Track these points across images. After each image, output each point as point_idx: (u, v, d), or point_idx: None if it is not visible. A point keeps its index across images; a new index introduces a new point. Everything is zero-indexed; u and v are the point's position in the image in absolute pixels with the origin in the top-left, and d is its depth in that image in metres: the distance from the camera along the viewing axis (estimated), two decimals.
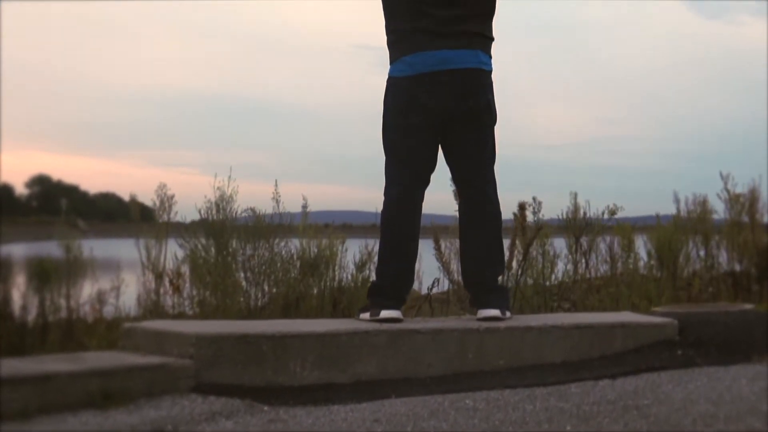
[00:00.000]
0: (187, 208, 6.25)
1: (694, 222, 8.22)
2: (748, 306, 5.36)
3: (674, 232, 8.05)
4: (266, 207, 6.22)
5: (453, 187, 4.76)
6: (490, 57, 4.34)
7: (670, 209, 8.42)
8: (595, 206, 7.75)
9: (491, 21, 4.36)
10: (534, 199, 6.77)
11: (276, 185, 6.20)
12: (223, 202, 5.96)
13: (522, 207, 6.72)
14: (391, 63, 4.33)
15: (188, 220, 6.29)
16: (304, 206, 6.41)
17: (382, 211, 4.39)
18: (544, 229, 6.76)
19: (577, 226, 7.64)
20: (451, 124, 4.29)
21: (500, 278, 4.55)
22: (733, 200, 8.14)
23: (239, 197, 6.08)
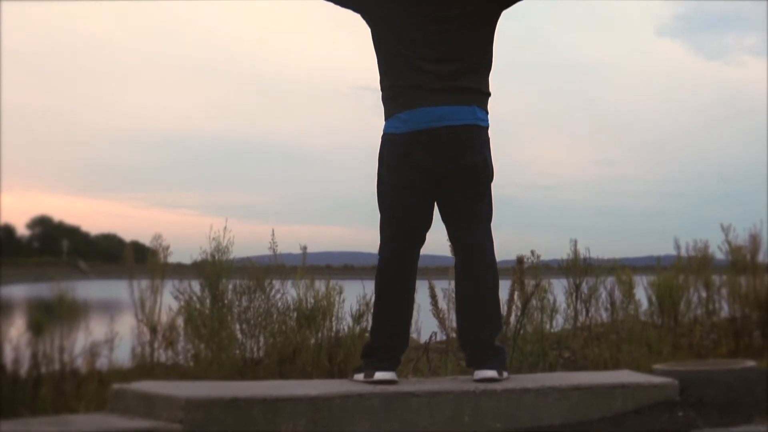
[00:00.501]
0: (187, 250, 6.22)
1: (695, 268, 8.17)
2: (750, 363, 5.29)
3: (675, 278, 8.00)
4: (265, 249, 6.18)
5: (449, 244, 4.66)
6: (487, 113, 4.29)
7: (669, 250, 8.38)
8: (595, 250, 7.72)
9: (488, 76, 4.32)
10: (532, 252, 6.71)
11: (273, 234, 6.14)
12: (219, 253, 5.90)
13: (520, 261, 6.66)
14: (385, 119, 4.27)
15: (188, 261, 6.25)
16: (304, 247, 6.36)
17: (377, 271, 4.32)
18: (542, 284, 6.68)
19: (577, 273, 7.59)
20: (447, 181, 4.22)
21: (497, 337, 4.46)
22: (734, 252, 8.09)
23: (239, 238, 6.04)
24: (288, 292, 6.13)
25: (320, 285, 6.22)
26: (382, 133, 4.31)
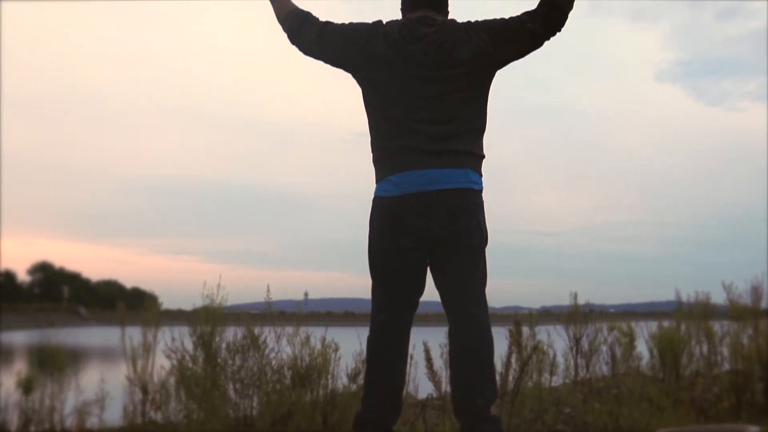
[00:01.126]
0: (187, 296, 6.19)
1: (696, 320, 8.11)
2: (754, 429, 5.21)
3: (676, 331, 7.94)
4: (264, 296, 6.11)
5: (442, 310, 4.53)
6: (481, 175, 4.16)
7: (670, 296, 8.34)
8: (597, 296, 7.68)
9: (482, 137, 4.20)
10: (530, 313, 6.64)
11: (268, 290, 6.06)
12: (212, 314, 5.83)
13: (517, 323, 6.58)
14: (376, 182, 4.16)
15: (188, 307, 6.22)
16: (306, 294, 6.31)
17: (368, 338, 4.17)
18: (540, 347, 6.60)
19: (577, 326, 7.53)
20: (440, 246, 4.08)
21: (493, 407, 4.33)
22: (736, 309, 8.03)
23: (239, 285, 5.99)
24: (283, 350, 6.05)
25: (315, 342, 6.15)
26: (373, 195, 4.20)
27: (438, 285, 4.19)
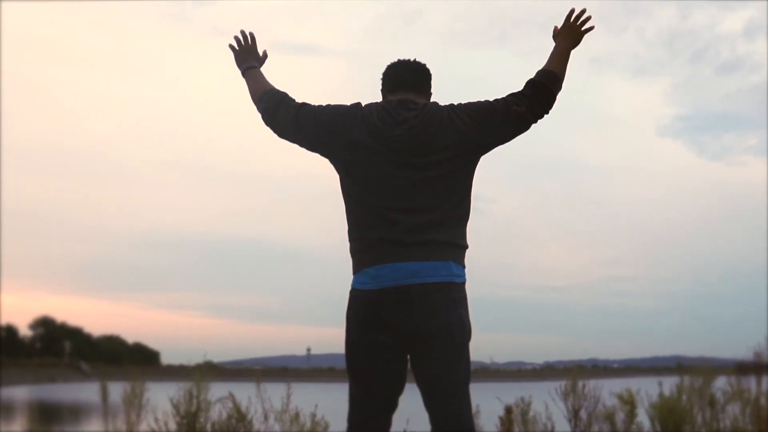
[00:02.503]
0: (191, 352, 6.13)
1: (699, 390, 8.07)
2: None
3: (677, 401, 7.88)
4: (269, 350, 6.03)
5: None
6: (464, 267, 3.87)
7: (672, 350, 8.30)
8: (600, 351, 7.64)
9: (465, 227, 3.92)
10: (522, 399, 6.54)
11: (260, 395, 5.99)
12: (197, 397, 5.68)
13: (509, 410, 6.51)
14: (353, 273, 3.88)
15: (190, 363, 6.19)
16: (309, 350, 6.22)
17: None
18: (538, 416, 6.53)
19: (575, 398, 7.47)
20: (420, 343, 3.78)
21: None
22: (736, 394, 7.99)
23: (242, 340, 5.89)
24: (272, 428, 5.89)
25: (305, 419, 5.98)
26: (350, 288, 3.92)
27: (418, 382, 3.91)
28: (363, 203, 3.86)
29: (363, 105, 3.98)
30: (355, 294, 3.85)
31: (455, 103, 3.95)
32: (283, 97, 4.11)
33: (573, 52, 4.01)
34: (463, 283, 3.85)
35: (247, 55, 4.27)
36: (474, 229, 4.19)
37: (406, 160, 3.83)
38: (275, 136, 4.05)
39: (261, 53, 4.30)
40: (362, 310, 3.81)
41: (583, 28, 4.04)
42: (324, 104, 4.05)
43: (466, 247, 3.90)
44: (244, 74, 4.25)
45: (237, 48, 4.27)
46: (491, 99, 3.93)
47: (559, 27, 4.05)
